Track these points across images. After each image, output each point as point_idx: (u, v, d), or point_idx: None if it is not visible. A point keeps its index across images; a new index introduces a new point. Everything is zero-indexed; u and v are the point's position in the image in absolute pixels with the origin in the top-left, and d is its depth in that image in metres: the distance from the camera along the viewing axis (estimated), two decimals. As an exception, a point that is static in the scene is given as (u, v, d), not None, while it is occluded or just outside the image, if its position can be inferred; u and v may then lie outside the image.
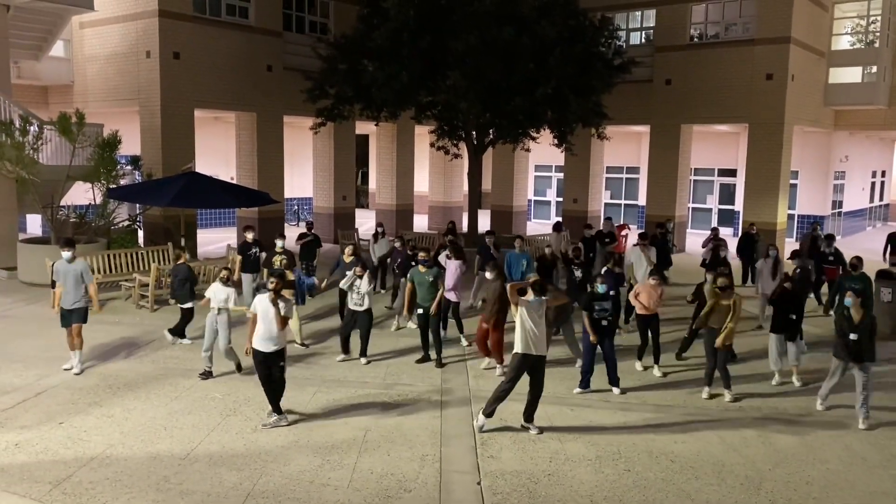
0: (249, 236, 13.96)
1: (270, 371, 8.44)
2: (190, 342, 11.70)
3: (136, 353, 11.26)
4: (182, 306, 11.70)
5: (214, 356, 10.19)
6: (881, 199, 33.04)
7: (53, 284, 14.01)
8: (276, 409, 8.52)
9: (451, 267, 12.11)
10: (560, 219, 24.28)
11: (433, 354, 11.11)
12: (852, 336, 8.80)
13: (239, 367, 10.31)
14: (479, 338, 10.82)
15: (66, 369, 10.30)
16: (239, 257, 14.05)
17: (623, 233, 20.52)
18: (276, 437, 8.18)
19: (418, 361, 11.11)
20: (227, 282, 10.27)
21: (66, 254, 10.40)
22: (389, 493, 6.95)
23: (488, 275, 10.82)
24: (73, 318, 10.28)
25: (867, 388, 8.83)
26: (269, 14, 21.13)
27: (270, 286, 8.47)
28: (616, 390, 9.92)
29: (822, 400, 9.48)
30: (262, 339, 8.37)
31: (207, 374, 10.10)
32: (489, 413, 8.46)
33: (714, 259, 14.48)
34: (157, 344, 11.79)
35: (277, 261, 12.62)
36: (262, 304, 8.39)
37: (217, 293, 10.14)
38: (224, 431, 8.29)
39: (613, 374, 9.97)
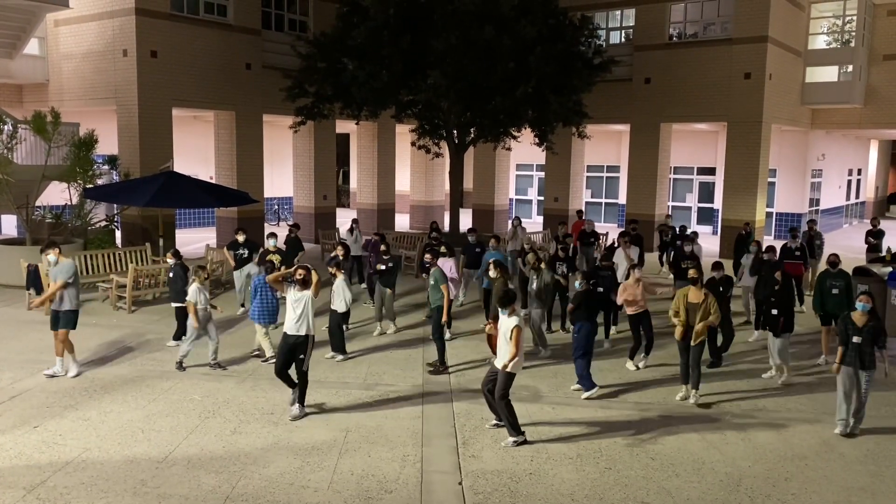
0: (240, 238, 14.10)
1: (292, 357, 8.72)
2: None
3: (113, 355, 11.12)
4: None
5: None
6: (857, 196, 33.46)
7: (28, 286, 13.91)
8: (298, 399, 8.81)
9: (445, 265, 12.13)
10: (517, 214, 24.39)
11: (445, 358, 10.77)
12: (855, 339, 8.41)
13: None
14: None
15: (47, 375, 10.00)
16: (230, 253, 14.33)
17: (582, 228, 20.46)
18: (256, 438, 8.11)
19: (431, 372, 10.55)
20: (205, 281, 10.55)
21: (52, 257, 10.25)
22: (370, 494, 6.90)
23: (492, 273, 10.92)
24: (59, 321, 10.04)
25: (866, 397, 8.51)
26: (247, 12, 20.97)
27: (297, 278, 8.75)
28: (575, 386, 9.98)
29: (844, 425, 8.53)
30: (287, 323, 8.72)
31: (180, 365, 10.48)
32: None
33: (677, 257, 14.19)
34: (134, 346, 11.66)
35: (274, 259, 12.92)
36: (289, 296, 8.74)
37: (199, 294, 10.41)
38: (203, 434, 8.21)
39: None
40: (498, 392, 8.08)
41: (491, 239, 14.35)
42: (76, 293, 10.11)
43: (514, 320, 8.05)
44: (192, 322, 10.22)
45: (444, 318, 10.80)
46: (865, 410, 8.63)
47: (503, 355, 8.05)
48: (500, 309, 8.28)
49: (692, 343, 9.45)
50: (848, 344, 8.47)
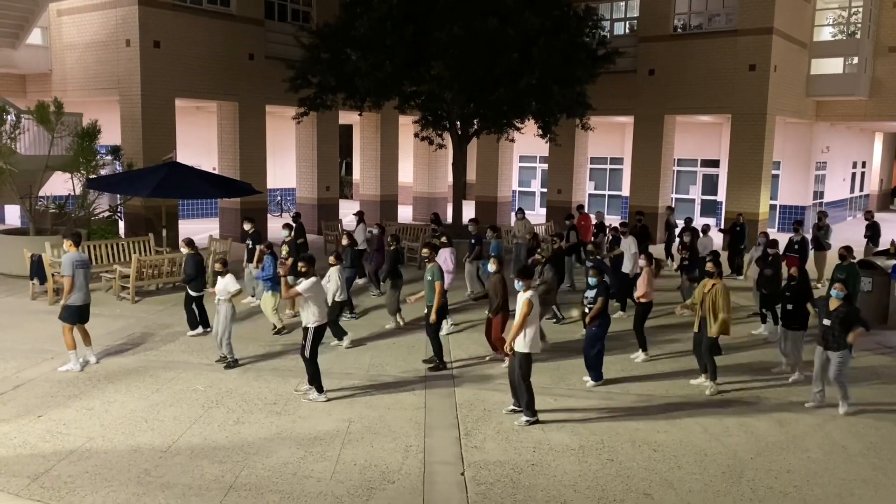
0: (247, 227, 14.14)
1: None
2: None
3: (117, 346, 11.15)
4: None
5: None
6: (861, 189, 33.33)
7: (32, 276, 13.93)
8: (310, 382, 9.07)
9: (442, 256, 12.07)
10: (521, 206, 24.27)
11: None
12: (825, 322, 8.86)
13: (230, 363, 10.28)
14: (490, 333, 10.68)
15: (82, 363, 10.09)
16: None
17: (583, 222, 20.40)
18: (259, 428, 8.13)
19: (431, 370, 10.29)
20: (220, 273, 10.51)
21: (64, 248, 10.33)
22: (373, 484, 6.92)
23: (490, 267, 10.58)
24: None
25: (839, 378, 8.82)
26: (250, 2, 20.91)
27: (301, 269, 9.28)
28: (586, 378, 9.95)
29: (815, 396, 9.13)
30: None
31: (232, 363, 10.27)
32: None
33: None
34: (137, 336, 11.68)
35: (284, 250, 13.12)
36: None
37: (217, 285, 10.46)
38: (206, 424, 8.23)
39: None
40: (518, 373, 8.28)
41: (487, 230, 14.30)
42: (76, 289, 9.94)
43: (527, 294, 8.27)
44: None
45: (433, 318, 10.41)
46: (850, 392, 8.97)
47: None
48: (516, 281, 8.48)
49: (710, 334, 9.51)
50: (821, 324, 8.96)
